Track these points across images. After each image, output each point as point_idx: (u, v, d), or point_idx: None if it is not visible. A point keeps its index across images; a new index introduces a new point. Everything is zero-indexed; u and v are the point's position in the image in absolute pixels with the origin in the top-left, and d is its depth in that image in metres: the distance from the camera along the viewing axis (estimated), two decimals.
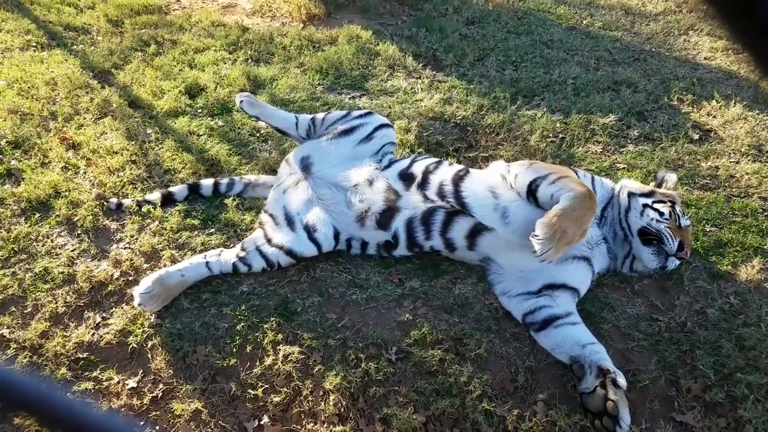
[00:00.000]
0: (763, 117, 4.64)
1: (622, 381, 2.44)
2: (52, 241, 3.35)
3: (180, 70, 5.29)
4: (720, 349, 2.81)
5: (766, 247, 3.41)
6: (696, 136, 4.45)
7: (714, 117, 4.69)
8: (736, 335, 2.88)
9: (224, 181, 3.78)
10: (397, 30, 6.30)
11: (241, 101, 3.75)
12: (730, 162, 4.15)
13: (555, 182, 2.92)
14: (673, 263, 3.08)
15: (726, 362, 2.74)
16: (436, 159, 3.48)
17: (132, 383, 2.64)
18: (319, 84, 5.18)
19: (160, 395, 2.61)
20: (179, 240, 3.39)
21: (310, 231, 3.22)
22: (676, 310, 3.06)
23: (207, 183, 3.76)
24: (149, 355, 2.77)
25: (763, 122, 4.59)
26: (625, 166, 4.14)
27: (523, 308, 2.96)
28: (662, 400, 2.63)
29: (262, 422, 2.50)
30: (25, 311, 2.95)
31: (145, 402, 2.57)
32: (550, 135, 4.47)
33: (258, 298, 3.06)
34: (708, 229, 3.56)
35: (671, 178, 3.42)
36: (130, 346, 2.79)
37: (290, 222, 3.27)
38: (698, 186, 3.93)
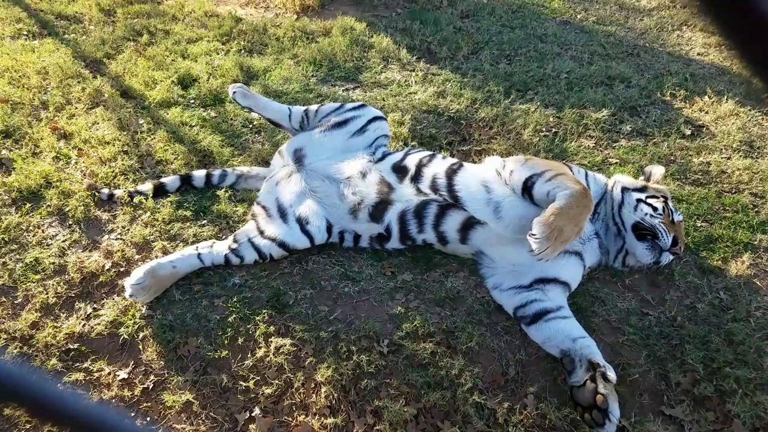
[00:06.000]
0: (754, 113, 4.66)
1: (611, 375, 2.46)
2: (42, 231, 3.33)
3: (172, 60, 5.25)
4: (709, 343, 2.84)
5: (756, 242, 3.44)
6: (688, 132, 4.46)
7: (706, 113, 4.71)
8: (726, 330, 2.91)
9: (216, 172, 3.76)
10: (392, 22, 6.28)
11: (234, 92, 3.73)
12: (722, 158, 4.16)
13: (551, 180, 2.92)
14: (666, 258, 3.09)
15: (715, 357, 2.76)
16: (430, 152, 3.48)
17: (123, 374, 2.64)
18: (312, 76, 5.16)
19: (151, 386, 2.61)
20: (171, 231, 3.38)
21: (302, 223, 3.22)
22: (667, 304, 3.08)
23: (199, 174, 3.75)
24: (140, 347, 2.76)
25: (755, 118, 4.61)
26: (618, 160, 4.16)
27: (514, 302, 2.97)
28: (652, 394, 2.65)
29: (253, 414, 2.50)
30: (16, 302, 2.93)
31: (136, 393, 2.57)
32: (543, 129, 4.47)
33: (250, 290, 3.06)
34: (699, 225, 3.58)
35: (658, 170, 3.44)
36: (121, 338, 2.78)
37: (283, 214, 3.27)
38: (690, 181, 3.95)
